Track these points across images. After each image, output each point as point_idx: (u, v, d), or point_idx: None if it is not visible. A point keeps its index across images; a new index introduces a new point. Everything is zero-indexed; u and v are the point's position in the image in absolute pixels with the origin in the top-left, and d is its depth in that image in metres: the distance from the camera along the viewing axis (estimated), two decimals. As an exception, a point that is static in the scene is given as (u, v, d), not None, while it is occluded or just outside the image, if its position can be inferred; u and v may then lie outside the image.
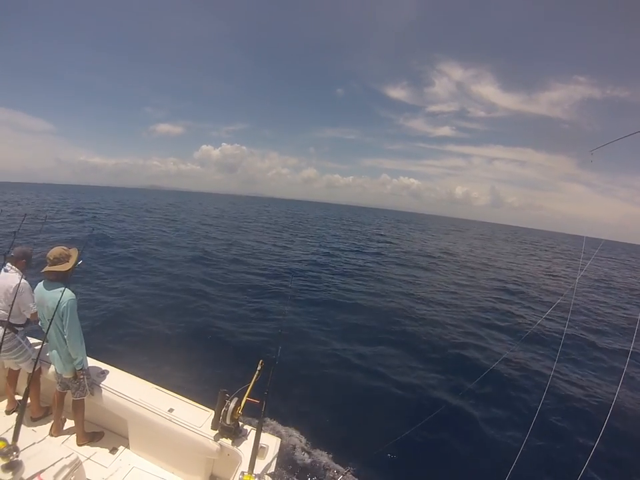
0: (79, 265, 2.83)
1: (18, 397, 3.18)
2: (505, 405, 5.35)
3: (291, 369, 5.38)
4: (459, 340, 7.70)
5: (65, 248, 2.79)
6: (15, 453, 1.86)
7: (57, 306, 2.50)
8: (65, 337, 2.63)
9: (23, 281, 2.89)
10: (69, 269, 2.72)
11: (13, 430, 1.99)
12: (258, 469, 2.25)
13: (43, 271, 2.66)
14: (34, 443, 2.14)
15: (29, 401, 2.59)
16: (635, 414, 5.45)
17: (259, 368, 2.75)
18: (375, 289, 11.66)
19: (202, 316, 7.61)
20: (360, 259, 17.28)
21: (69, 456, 2.13)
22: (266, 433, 2.71)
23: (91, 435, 3.00)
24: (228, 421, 2.53)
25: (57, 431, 2.97)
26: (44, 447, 2.15)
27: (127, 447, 2.99)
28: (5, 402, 3.16)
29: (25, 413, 2.22)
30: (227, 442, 2.56)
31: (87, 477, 2.49)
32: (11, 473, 1.81)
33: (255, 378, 2.73)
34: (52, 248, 2.72)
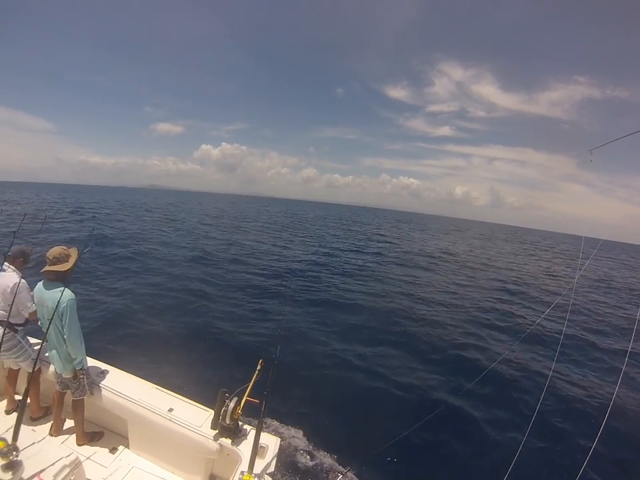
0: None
1: (18, 397, 3.18)
2: (504, 405, 5.35)
3: (290, 369, 5.39)
4: (459, 340, 7.70)
5: (65, 248, 2.79)
6: (14, 453, 1.86)
7: (57, 306, 2.50)
8: (65, 336, 2.63)
9: (21, 279, 2.90)
10: (69, 269, 2.72)
11: (12, 430, 1.99)
12: (258, 469, 2.25)
13: (42, 270, 2.66)
14: (34, 443, 2.14)
15: (28, 400, 2.59)
16: (634, 414, 5.46)
17: (258, 368, 2.75)
18: (374, 289, 11.66)
19: (201, 316, 7.62)
20: (360, 259, 17.29)
21: (68, 456, 2.14)
22: (266, 433, 2.71)
23: (91, 435, 3.00)
24: (228, 421, 2.53)
25: (56, 430, 2.97)
26: (44, 447, 2.15)
27: (127, 446, 2.99)
28: (5, 402, 3.16)
29: (25, 413, 2.22)
30: (226, 441, 2.56)
31: (87, 476, 2.49)
32: (10, 472, 1.81)
33: (254, 378, 2.73)
34: (52, 248, 2.72)
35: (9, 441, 1.90)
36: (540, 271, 20.35)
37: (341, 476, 3.26)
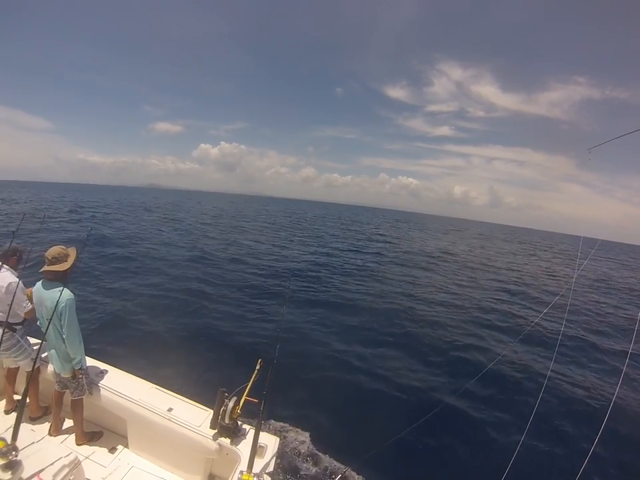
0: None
1: (17, 397, 3.18)
2: (502, 405, 5.36)
3: (289, 369, 5.39)
4: (459, 341, 7.70)
5: (64, 247, 2.79)
6: (14, 453, 1.86)
7: (56, 305, 2.50)
8: (64, 336, 2.63)
9: (15, 278, 2.90)
10: (68, 269, 2.72)
11: (12, 429, 1.99)
12: (257, 468, 2.25)
13: (41, 270, 2.66)
14: (33, 443, 2.15)
15: (27, 400, 2.59)
16: (634, 414, 5.47)
17: (257, 367, 2.75)
18: (374, 289, 11.67)
19: (201, 316, 7.62)
20: (359, 259, 17.30)
21: (67, 455, 2.14)
22: (265, 432, 2.71)
23: (90, 435, 3.00)
24: (227, 420, 2.53)
25: (55, 430, 2.97)
26: (43, 447, 2.16)
27: (126, 446, 2.99)
28: (4, 401, 3.16)
29: (24, 413, 2.22)
30: (225, 441, 2.56)
31: (86, 476, 2.50)
32: (10, 472, 1.81)
33: (253, 377, 2.73)
34: (50, 247, 2.72)
35: (8, 440, 1.90)
36: (540, 271, 20.38)
37: (340, 475, 3.27)
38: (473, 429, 4.78)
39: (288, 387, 4.88)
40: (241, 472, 2.14)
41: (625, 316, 11.84)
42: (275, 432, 3.98)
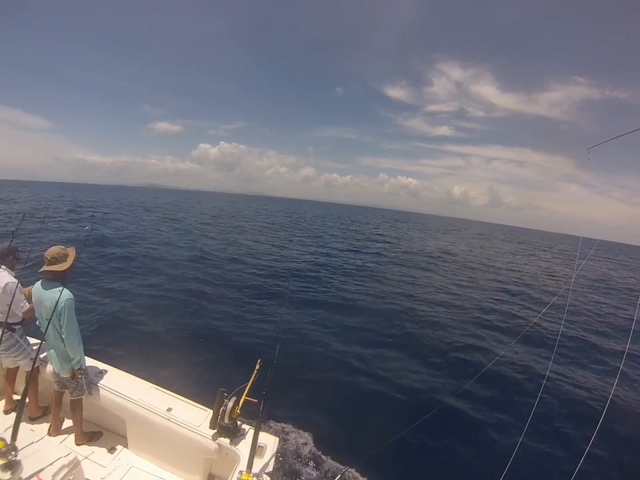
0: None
1: (16, 397, 3.18)
2: (501, 405, 5.37)
3: (289, 369, 5.39)
4: (458, 341, 7.70)
5: (63, 247, 2.79)
6: (13, 453, 1.86)
7: (55, 305, 2.50)
8: (63, 336, 2.64)
9: (13, 278, 2.89)
10: (67, 269, 2.72)
11: (11, 429, 1.99)
12: (256, 468, 2.25)
13: (40, 270, 2.66)
14: (32, 443, 2.15)
15: (27, 400, 2.59)
16: (630, 414, 5.48)
17: (257, 367, 2.75)
18: (374, 289, 11.67)
19: (200, 316, 7.61)
20: (358, 259, 17.30)
21: (67, 455, 2.14)
22: (264, 432, 2.71)
23: (90, 435, 3.00)
24: (226, 420, 2.53)
25: (55, 430, 2.97)
26: (42, 447, 2.16)
27: (126, 446, 2.99)
28: (4, 401, 3.16)
29: (24, 413, 2.22)
30: (225, 441, 2.56)
31: (86, 476, 2.49)
32: (9, 472, 1.81)
33: (253, 377, 2.73)
34: (50, 247, 2.72)
35: (8, 440, 1.90)
36: (540, 271, 20.40)
37: (339, 475, 3.27)
38: (472, 429, 4.78)
39: (287, 387, 4.88)
40: (241, 472, 2.14)
41: (625, 316, 11.86)
42: (275, 432, 3.98)
